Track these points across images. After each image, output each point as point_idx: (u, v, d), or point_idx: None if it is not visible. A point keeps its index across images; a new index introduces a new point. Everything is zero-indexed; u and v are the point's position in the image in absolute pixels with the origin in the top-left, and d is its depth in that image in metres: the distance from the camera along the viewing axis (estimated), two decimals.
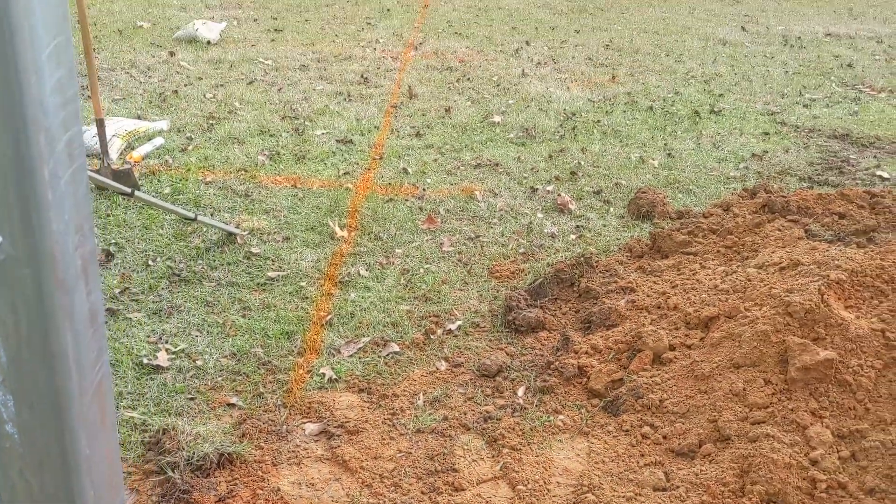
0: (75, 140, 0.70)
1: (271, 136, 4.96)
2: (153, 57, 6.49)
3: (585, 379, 2.72)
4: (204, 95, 5.62)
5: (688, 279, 3.09)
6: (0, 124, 0.63)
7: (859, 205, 3.92)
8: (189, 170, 4.36)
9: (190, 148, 4.67)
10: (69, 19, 0.73)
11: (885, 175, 4.67)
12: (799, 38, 8.84)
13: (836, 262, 2.71)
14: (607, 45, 7.97)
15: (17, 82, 0.63)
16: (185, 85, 5.83)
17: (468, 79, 6.49)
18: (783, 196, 4.01)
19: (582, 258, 3.42)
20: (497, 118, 5.50)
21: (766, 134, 5.44)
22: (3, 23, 0.60)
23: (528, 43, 7.89)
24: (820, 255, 2.84)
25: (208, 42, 6.98)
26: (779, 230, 3.34)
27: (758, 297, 2.69)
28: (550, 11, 9.69)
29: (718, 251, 3.36)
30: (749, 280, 2.86)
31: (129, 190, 3.11)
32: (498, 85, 6.36)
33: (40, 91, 0.66)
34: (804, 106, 6.13)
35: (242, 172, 4.39)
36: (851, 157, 5.02)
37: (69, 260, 0.72)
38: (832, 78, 7.07)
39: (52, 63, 0.67)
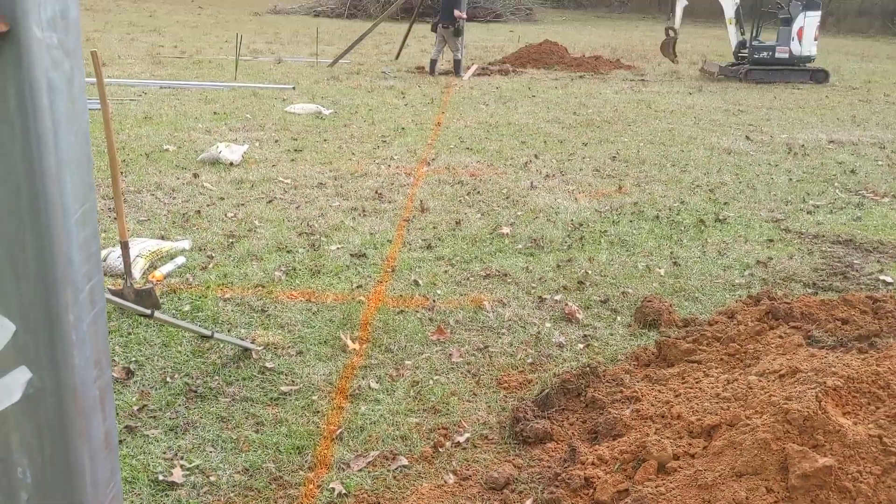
0: (97, 288, 0.82)
1: (288, 252, 5.14)
2: (178, 179, 6.79)
3: (592, 490, 2.74)
4: (225, 215, 5.85)
5: (691, 388, 3.14)
6: (34, 279, 0.75)
7: (862, 310, 3.99)
8: (208, 287, 4.52)
9: (210, 266, 4.85)
10: (94, 187, 0.87)
11: (889, 280, 4.74)
12: (802, 145, 9.09)
13: (833, 368, 2.76)
14: (614, 157, 8.23)
15: (50, 244, 0.76)
16: (208, 205, 6.08)
17: (478, 192, 6.72)
18: (787, 303, 4.10)
19: (588, 368, 3.49)
20: (506, 229, 5.67)
21: (771, 241, 5.56)
22: (39, 197, 0.74)
23: (536, 156, 8.17)
24: (818, 362, 2.90)
25: (231, 163, 7.29)
26: (780, 337, 3.41)
27: (758, 404, 2.74)
28: (559, 126, 10.04)
29: (722, 359, 3.42)
30: (750, 388, 2.92)
31: (148, 312, 3.25)
32: (507, 197, 6.57)
33: (69, 250, 0.79)
34: (808, 212, 6.28)
35: (259, 288, 4.54)
36: (855, 262, 5.11)
37: (88, 391, 0.83)
38: (836, 184, 7.24)
39: (80, 226, 0.81)
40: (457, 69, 14.77)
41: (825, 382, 2.67)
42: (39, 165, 0.74)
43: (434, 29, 14.72)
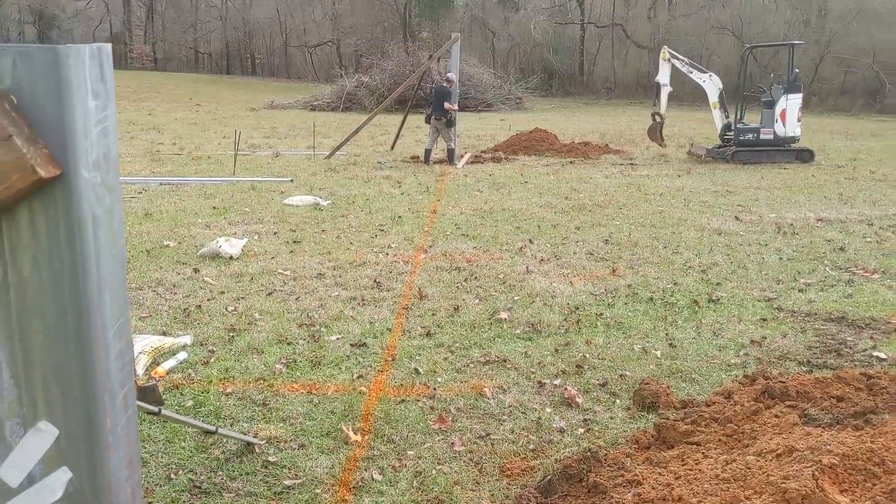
0: (129, 394, 0.91)
1: (288, 344, 5.21)
2: (178, 274, 6.90)
3: None
4: (226, 308, 5.94)
5: (691, 470, 3.17)
6: (77, 388, 0.84)
7: (856, 387, 4.05)
8: (210, 382, 4.57)
9: (212, 360, 4.90)
10: (128, 302, 0.96)
11: (882, 356, 4.81)
12: (791, 224, 9.27)
13: (829, 446, 2.81)
14: (607, 240, 8.39)
15: (91, 356, 0.85)
16: (209, 299, 6.17)
17: (475, 278, 6.83)
18: (782, 381, 4.16)
19: (589, 452, 3.52)
20: (504, 315, 5.75)
21: (764, 320, 5.64)
22: (82, 316, 0.83)
23: (531, 241, 8.33)
24: (813, 440, 2.95)
25: (231, 257, 7.42)
26: (776, 416, 3.46)
27: (757, 485, 2.78)
28: (552, 210, 10.25)
29: (720, 440, 3.46)
30: (748, 468, 2.95)
31: (156, 409, 3.30)
32: (504, 282, 6.68)
33: (106, 360, 0.88)
34: (800, 291, 6.38)
35: (261, 382, 4.59)
36: (848, 339, 5.19)
37: (122, 489, 0.90)
38: (825, 262, 7.37)
39: (116, 339, 0.90)
40: (450, 157, 15.14)
41: (821, 461, 2.72)
42: (84, 288, 0.84)
43: (428, 121, 15.19)
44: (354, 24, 56.99)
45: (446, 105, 14.72)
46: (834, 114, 35.43)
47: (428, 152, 15.15)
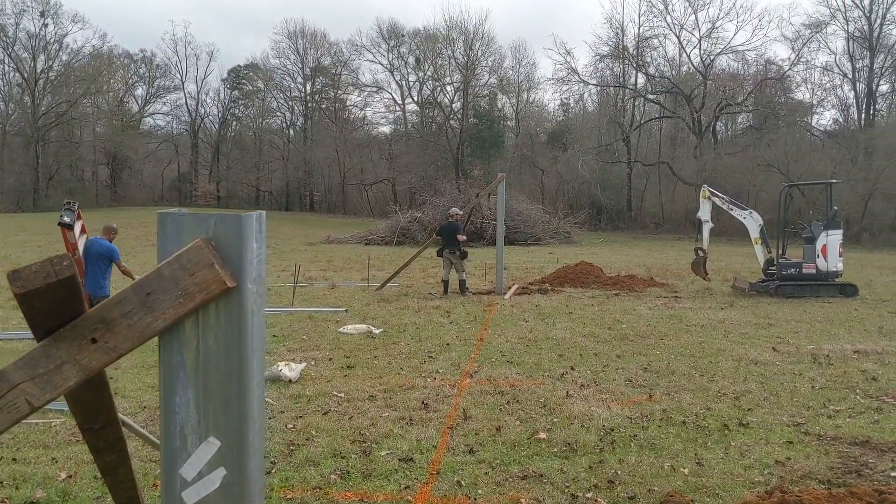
0: (263, 421, 1.44)
1: (342, 458, 5.67)
2: None
3: None
4: (285, 426, 6.45)
5: None
6: (235, 416, 1.38)
7: (867, 501, 4.35)
8: (273, 489, 5.04)
9: (273, 471, 5.39)
10: (264, 364, 1.52)
11: None
12: (828, 355, 9.53)
13: None
14: (646, 368, 8.76)
15: (246, 396, 1.39)
16: (269, 418, 6.70)
17: (517, 401, 7.25)
18: (797, 495, 4.48)
19: None
20: (543, 434, 6.15)
21: (790, 443, 5.93)
22: (243, 370, 1.40)
23: (573, 368, 8.74)
24: None
25: (290, 380, 7.99)
26: None
27: None
28: (595, 340, 10.67)
29: None
30: None
31: None
32: (544, 405, 7.09)
33: (253, 398, 1.42)
34: (828, 417, 6.66)
35: (318, 490, 5.05)
36: (870, 461, 5.45)
37: (257, 484, 1.42)
38: (857, 391, 7.63)
39: (259, 387, 1.44)
40: (462, 288, 15.87)
41: None
42: (245, 353, 1.40)
43: (440, 254, 16.15)
44: (409, 164, 59.62)
45: (459, 237, 15.75)
46: (886, 249, 35.44)
47: (445, 283, 16.04)
